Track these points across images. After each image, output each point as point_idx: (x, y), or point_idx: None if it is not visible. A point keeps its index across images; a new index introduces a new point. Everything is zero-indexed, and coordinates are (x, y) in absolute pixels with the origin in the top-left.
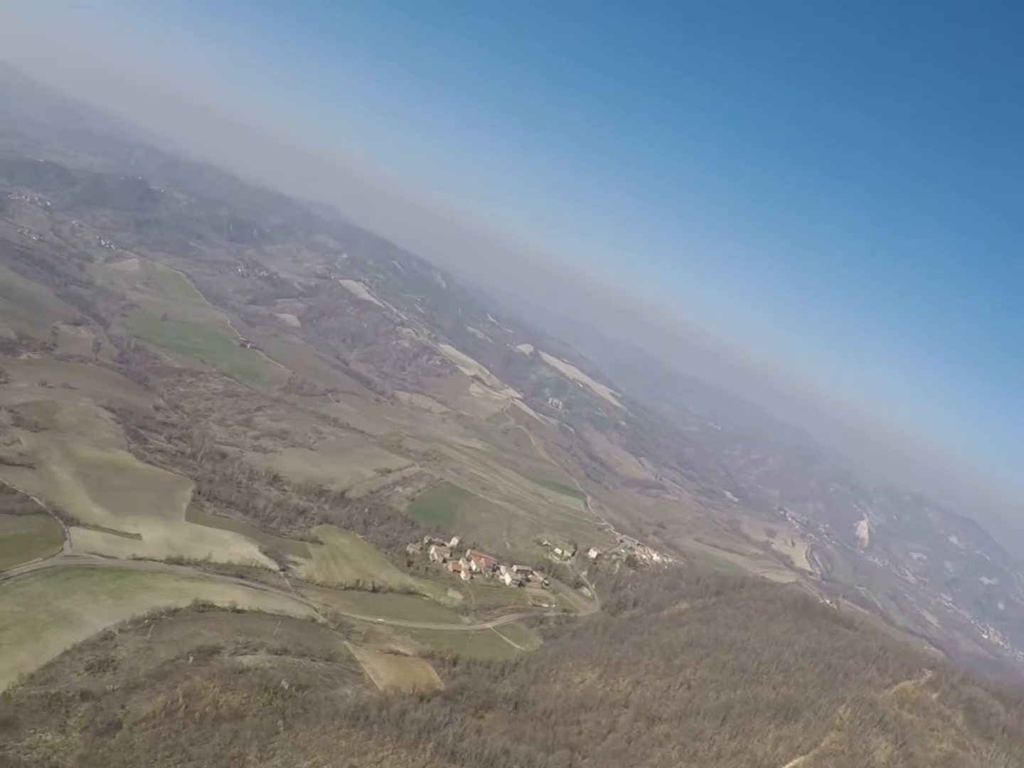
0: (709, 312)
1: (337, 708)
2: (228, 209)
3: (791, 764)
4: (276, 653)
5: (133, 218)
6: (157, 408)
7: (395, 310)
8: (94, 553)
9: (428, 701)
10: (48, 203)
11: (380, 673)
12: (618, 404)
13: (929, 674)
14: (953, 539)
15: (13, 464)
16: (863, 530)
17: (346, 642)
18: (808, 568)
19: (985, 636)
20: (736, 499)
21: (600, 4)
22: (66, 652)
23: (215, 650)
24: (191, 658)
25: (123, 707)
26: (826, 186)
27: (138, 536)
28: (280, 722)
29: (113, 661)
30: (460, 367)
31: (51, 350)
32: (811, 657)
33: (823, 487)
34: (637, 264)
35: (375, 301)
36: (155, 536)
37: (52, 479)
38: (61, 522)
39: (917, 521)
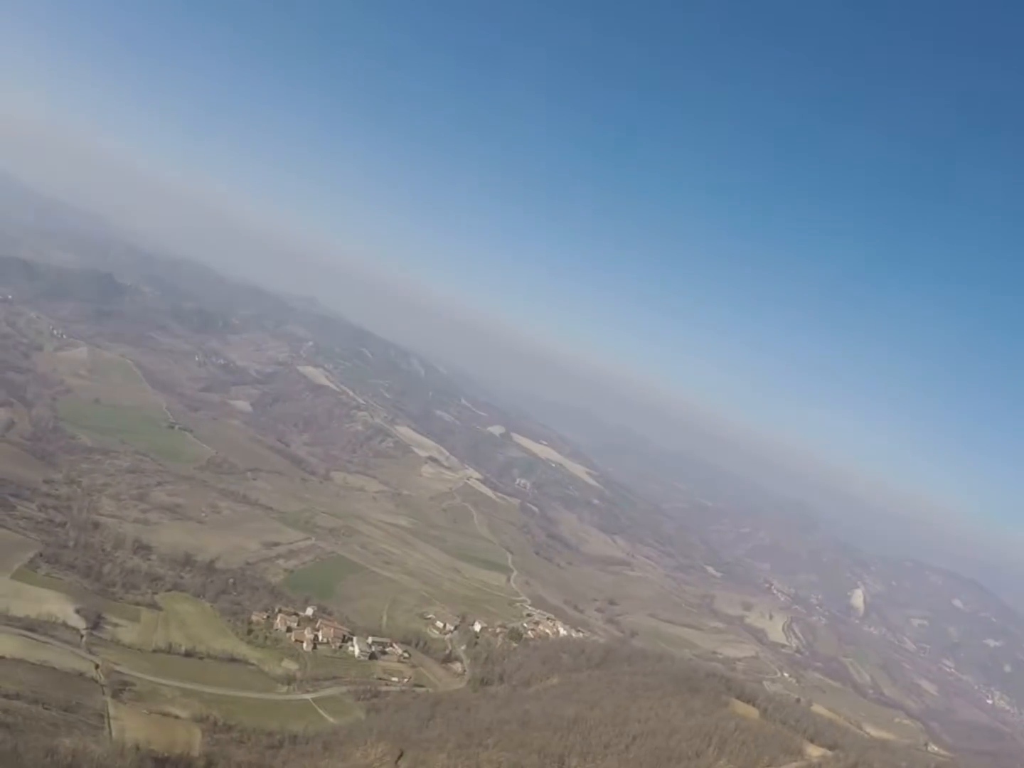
0: (704, 390)
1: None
2: (196, 302)
3: None
4: (5, 696)
5: (94, 310)
6: (47, 481)
7: (352, 394)
8: None
9: (164, 764)
10: (9, 296)
11: (128, 731)
12: (594, 483)
13: (817, 754)
14: (957, 602)
15: None
16: (858, 599)
17: (107, 698)
18: (783, 641)
19: (989, 701)
20: (718, 574)
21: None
22: None
23: None
24: None
25: None
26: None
27: None
28: None
29: None
30: (415, 448)
31: None
32: (649, 738)
33: (816, 557)
34: (632, 347)
35: (332, 386)
36: None
37: None
38: None
39: (918, 586)
